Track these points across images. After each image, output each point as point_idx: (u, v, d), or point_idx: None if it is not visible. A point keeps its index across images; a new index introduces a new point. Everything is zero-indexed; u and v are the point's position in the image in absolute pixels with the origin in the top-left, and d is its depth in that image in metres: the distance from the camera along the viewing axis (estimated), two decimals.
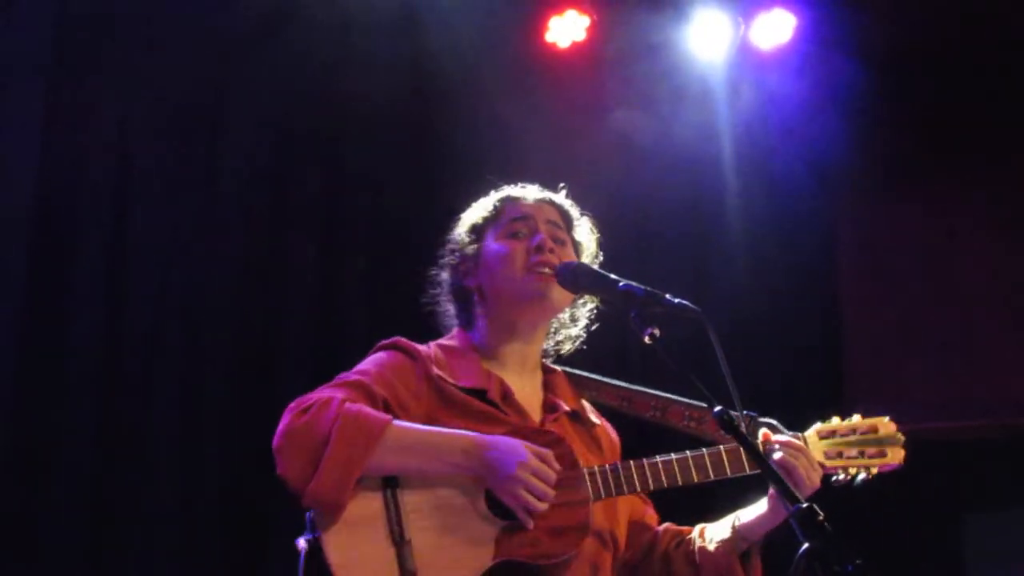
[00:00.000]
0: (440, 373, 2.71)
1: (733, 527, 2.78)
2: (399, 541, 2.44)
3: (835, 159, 6.13)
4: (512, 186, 2.99)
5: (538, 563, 2.53)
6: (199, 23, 5.37)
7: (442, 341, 2.86)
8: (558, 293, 2.80)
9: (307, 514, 2.50)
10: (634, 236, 5.73)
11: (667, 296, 2.57)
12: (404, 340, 2.79)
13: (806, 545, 2.13)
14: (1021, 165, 6.32)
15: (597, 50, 5.96)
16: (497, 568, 2.48)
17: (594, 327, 3.02)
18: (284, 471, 2.45)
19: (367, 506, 2.46)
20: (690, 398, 2.87)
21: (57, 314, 5.03)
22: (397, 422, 2.50)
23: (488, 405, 2.69)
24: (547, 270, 2.78)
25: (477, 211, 2.97)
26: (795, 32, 5.94)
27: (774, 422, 2.81)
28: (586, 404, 2.95)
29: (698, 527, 2.86)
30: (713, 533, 2.81)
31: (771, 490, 2.68)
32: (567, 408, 2.83)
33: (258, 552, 5.08)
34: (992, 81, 6.18)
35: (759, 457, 2.43)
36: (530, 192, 2.97)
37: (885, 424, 2.85)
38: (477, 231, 2.92)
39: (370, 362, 2.72)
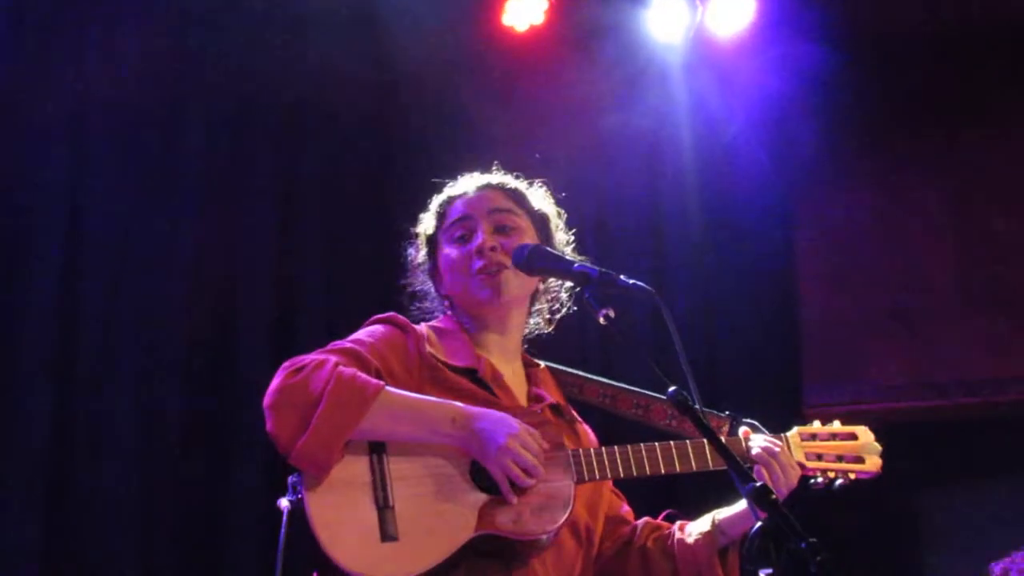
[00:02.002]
0: (432, 351, 2.71)
1: (713, 522, 2.79)
2: (382, 506, 2.43)
3: (793, 142, 6.16)
4: (452, 183, 3.00)
5: (518, 539, 2.53)
6: (157, 3, 5.32)
7: (433, 323, 2.88)
8: (514, 285, 2.81)
9: (289, 478, 2.49)
10: (592, 219, 5.74)
11: (621, 276, 2.59)
12: (399, 316, 2.81)
13: (759, 523, 2.15)
14: (979, 148, 6.37)
15: (555, 33, 5.94)
16: (477, 540, 2.49)
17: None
18: (274, 428, 2.44)
19: (353, 470, 2.45)
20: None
21: (10, 299, 4.98)
22: (390, 388, 2.50)
23: (478, 385, 2.70)
24: (493, 269, 2.79)
25: (426, 222, 3.00)
26: (754, 16, 5.95)
27: (755, 423, 2.84)
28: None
29: (677, 522, 2.88)
30: (692, 528, 2.82)
31: None
32: (551, 400, 2.83)
33: (217, 533, 5.06)
34: (952, 65, 6.22)
35: (714, 437, 2.44)
36: (470, 183, 2.96)
37: (864, 432, 2.92)
38: (430, 243, 2.98)
39: (365, 333, 2.73)
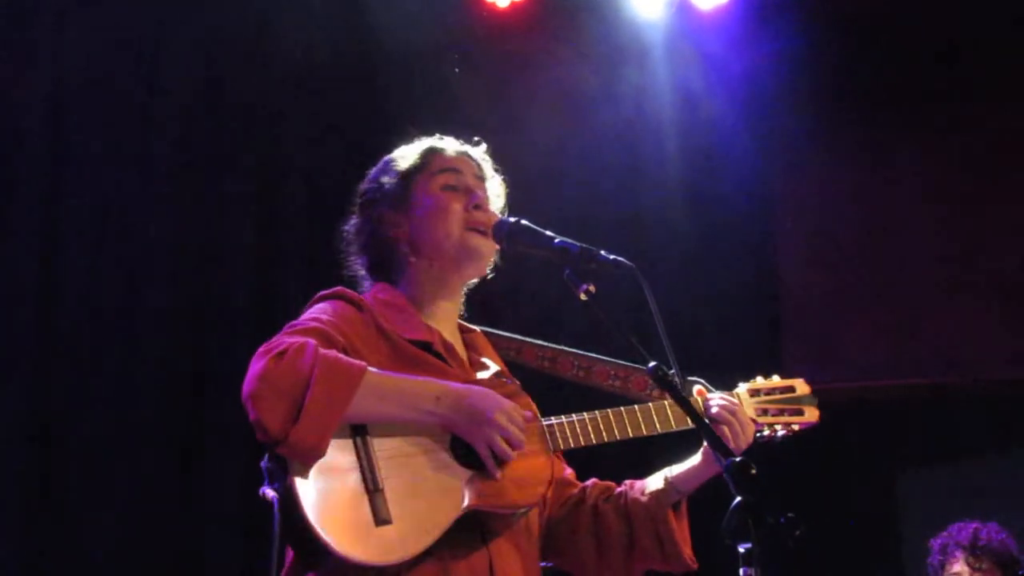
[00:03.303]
0: (387, 324, 2.64)
1: (666, 479, 2.79)
2: (372, 489, 2.38)
3: (774, 121, 6.16)
4: (432, 137, 2.89)
5: (503, 512, 2.53)
6: None
7: (372, 294, 2.77)
8: (491, 252, 2.77)
9: (264, 464, 2.42)
10: (573, 194, 5.73)
11: (602, 252, 2.59)
12: (348, 290, 2.70)
13: (738, 498, 2.15)
14: (959, 129, 6.38)
15: (536, 9, 5.92)
16: (464, 517, 2.47)
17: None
18: (262, 417, 2.32)
19: (338, 454, 2.39)
20: (625, 356, 2.86)
21: None
22: (372, 369, 2.44)
23: (435, 358, 2.65)
24: (483, 230, 2.74)
25: (403, 158, 2.84)
26: None
27: (703, 381, 2.85)
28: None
29: (626, 482, 2.87)
30: (644, 486, 2.82)
31: (704, 444, 2.72)
32: (495, 367, 2.80)
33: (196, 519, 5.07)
34: (935, 47, 6.22)
35: (693, 412, 2.46)
36: (452, 144, 2.88)
37: (801, 384, 2.97)
38: (404, 177, 2.80)
39: (319, 311, 2.61)
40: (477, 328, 2.88)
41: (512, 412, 2.52)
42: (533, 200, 4.74)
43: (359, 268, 2.86)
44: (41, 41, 5.15)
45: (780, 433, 2.91)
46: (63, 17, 5.19)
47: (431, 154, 2.83)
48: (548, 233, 2.68)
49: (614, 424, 2.71)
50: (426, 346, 2.65)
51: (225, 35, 5.43)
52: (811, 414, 2.95)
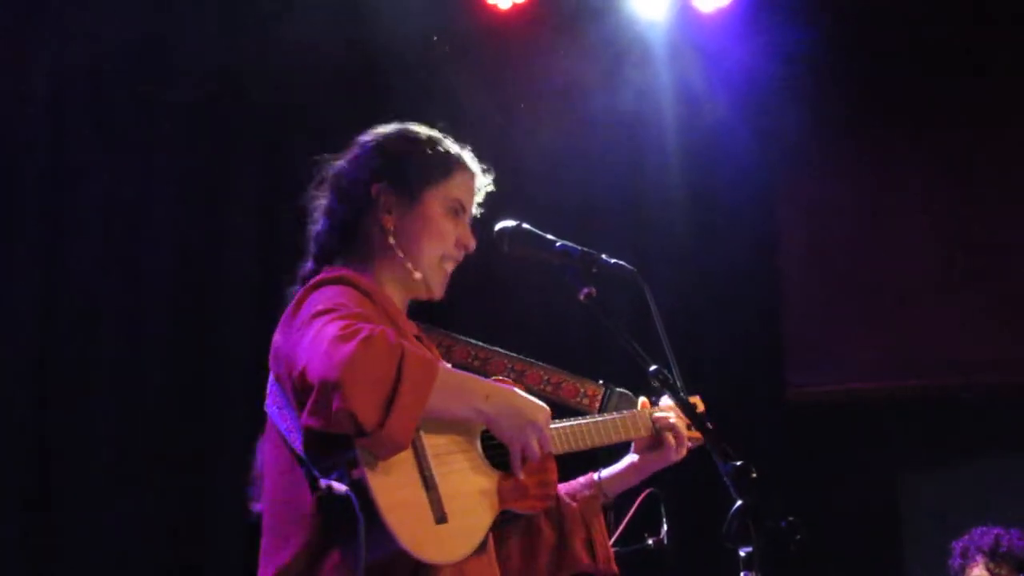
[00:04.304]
0: (392, 314, 2.55)
1: (595, 483, 2.81)
2: (429, 486, 2.34)
3: (776, 122, 6.15)
4: (463, 149, 2.71)
5: (526, 513, 2.55)
6: None
7: (356, 279, 2.55)
8: (443, 290, 2.68)
9: (305, 454, 2.31)
10: (575, 198, 5.72)
11: (603, 256, 2.59)
12: (353, 275, 2.53)
13: (739, 502, 2.16)
14: (960, 129, 6.37)
15: (538, 11, 5.91)
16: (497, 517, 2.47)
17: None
18: (354, 406, 2.16)
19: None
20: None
21: None
22: (442, 363, 2.40)
23: (428, 351, 2.59)
24: (451, 266, 2.65)
25: (431, 154, 2.65)
26: None
27: (628, 392, 2.88)
28: None
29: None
30: (573, 490, 2.82)
31: (634, 447, 2.81)
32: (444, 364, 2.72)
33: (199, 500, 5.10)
34: (936, 46, 6.21)
35: (695, 416, 2.47)
36: (475, 166, 2.72)
37: (698, 401, 2.90)
38: (424, 174, 2.62)
39: (339, 295, 2.43)
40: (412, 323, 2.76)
41: (547, 416, 2.53)
42: (533, 200, 4.78)
43: (319, 205, 2.67)
44: (43, 33, 5.15)
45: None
46: (64, 9, 5.19)
47: (456, 171, 2.67)
48: (549, 237, 2.67)
49: (601, 430, 2.73)
50: (419, 339, 2.61)
51: (227, 34, 5.42)
52: (695, 434, 2.89)
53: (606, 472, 2.82)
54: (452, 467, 2.42)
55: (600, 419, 2.74)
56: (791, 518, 2.08)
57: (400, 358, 2.23)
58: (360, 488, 2.25)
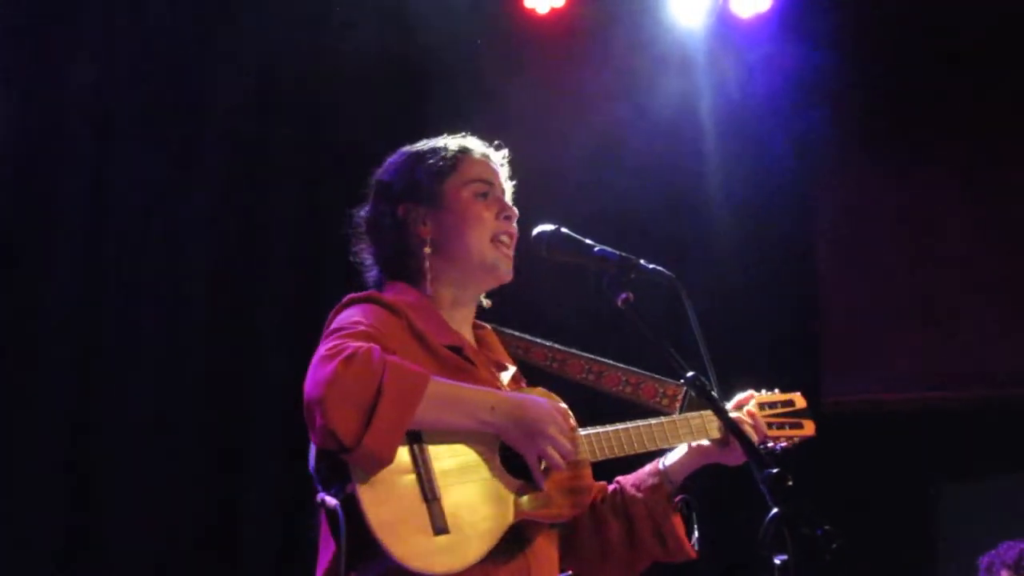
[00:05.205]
0: (421, 327, 2.59)
1: (660, 472, 2.78)
2: (430, 498, 2.37)
3: (814, 129, 6.12)
4: (458, 137, 2.79)
5: (552, 522, 2.55)
6: None
7: (396, 295, 2.66)
8: (510, 266, 2.72)
9: (314, 470, 2.41)
10: (612, 204, 5.72)
11: (641, 261, 2.59)
12: (380, 293, 2.64)
13: (775, 510, 2.15)
14: (997, 136, 6.32)
15: (576, 16, 5.92)
16: (513, 527, 2.47)
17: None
18: (333, 423, 2.25)
19: (397, 462, 2.37)
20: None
21: (35, 280, 5.02)
22: (434, 377, 2.41)
23: (465, 361, 2.62)
24: (508, 240, 2.71)
25: (433, 154, 2.74)
26: (774, 1, 5.94)
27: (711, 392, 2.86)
28: None
29: (617, 479, 2.84)
30: (637, 481, 2.80)
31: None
32: (511, 367, 2.77)
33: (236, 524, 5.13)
34: (972, 53, 6.17)
35: (731, 423, 2.46)
36: (479, 147, 2.79)
37: (799, 398, 2.99)
38: (438, 175, 2.70)
39: (356, 314, 2.52)
40: (487, 325, 2.83)
41: (563, 422, 2.52)
42: (572, 205, 4.78)
43: (367, 257, 2.77)
44: (89, 37, 5.22)
45: (780, 446, 2.93)
46: (109, 14, 5.25)
47: (464, 156, 2.74)
48: (588, 241, 2.67)
49: (645, 436, 2.70)
50: (457, 350, 2.63)
51: (272, 33, 5.46)
52: (808, 427, 2.97)
53: (669, 458, 2.79)
54: (462, 479, 2.44)
55: (644, 425, 2.71)
56: (826, 526, 2.07)
57: (381, 374, 2.29)
58: (351, 503, 2.32)
